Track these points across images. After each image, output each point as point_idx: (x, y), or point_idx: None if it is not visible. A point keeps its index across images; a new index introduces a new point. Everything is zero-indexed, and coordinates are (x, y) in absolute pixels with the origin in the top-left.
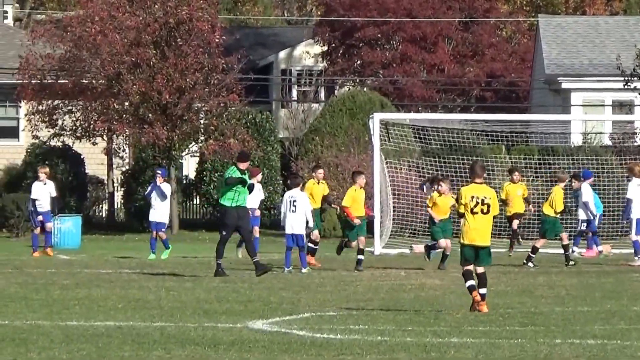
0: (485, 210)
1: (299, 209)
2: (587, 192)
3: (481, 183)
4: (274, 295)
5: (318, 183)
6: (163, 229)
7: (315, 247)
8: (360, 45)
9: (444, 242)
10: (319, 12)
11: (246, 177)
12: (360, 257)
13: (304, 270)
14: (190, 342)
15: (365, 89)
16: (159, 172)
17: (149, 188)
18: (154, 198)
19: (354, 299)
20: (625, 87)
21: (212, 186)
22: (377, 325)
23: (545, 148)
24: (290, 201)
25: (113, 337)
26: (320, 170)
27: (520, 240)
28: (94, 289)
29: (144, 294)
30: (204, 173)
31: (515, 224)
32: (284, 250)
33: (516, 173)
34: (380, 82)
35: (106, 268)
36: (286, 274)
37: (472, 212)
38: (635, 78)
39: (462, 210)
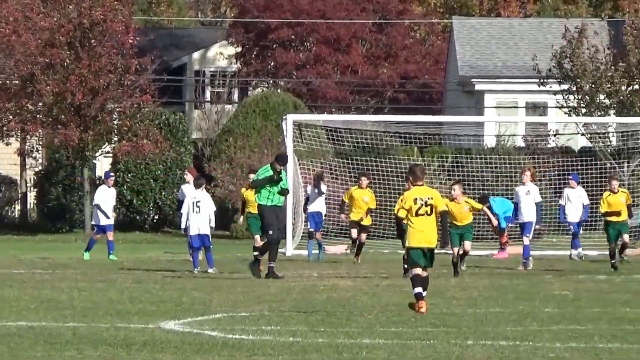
0: (429, 212)
1: (203, 210)
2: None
3: (422, 185)
4: (186, 296)
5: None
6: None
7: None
8: (274, 46)
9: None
10: (232, 14)
11: (283, 175)
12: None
13: (210, 271)
14: (103, 343)
15: (278, 90)
16: (111, 175)
17: (101, 191)
18: (106, 200)
19: (266, 300)
20: (540, 88)
21: (125, 187)
22: (289, 326)
23: (458, 149)
24: (194, 202)
25: (25, 337)
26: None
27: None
28: (6, 289)
29: (56, 295)
30: (117, 174)
31: None
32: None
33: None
34: (294, 83)
35: (19, 268)
36: (196, 275)
37: (417, 215)
38: (550, 79)
39: (402, 214)
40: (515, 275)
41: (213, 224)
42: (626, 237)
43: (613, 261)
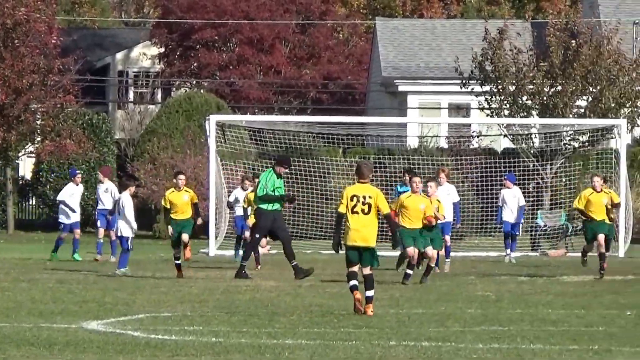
0: (366, 211)
1: (126, 212)
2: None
3: (365, 182)
4: (108, 296)
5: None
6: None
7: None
8: (197, 47)
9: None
10: (156, 14)
11: (281, 182)
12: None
13: (118, 272)
14: (26, 343)
15: (201, 91)
16: (78, 172)
17: (67, 189)
18: (72, 195)
19: (189, 300)
20: (462, 89)
21: (48, 187)
22: (212, 326)
23: (381, 150)
24: (118, 204)
25: None
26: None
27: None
28: None
29: None
30: (40, 174)
31: None
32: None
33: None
34: (217, 84)
35: None
36: (120, 275)
37: (353, 212)
38: (472, 81)
39: (342, 210)
40: (437, 276)
41: (134, 226)
42: (601, 237)
43: (585, 258)
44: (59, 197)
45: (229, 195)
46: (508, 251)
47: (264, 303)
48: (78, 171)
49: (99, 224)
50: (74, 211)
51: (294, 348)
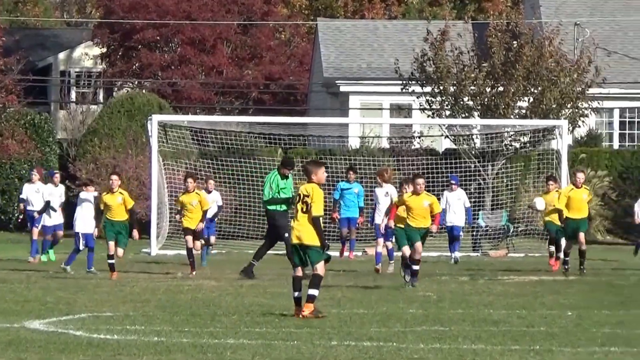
0: (304, 209)
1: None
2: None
3: (310, 181)
4: (50, 295)
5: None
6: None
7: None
8: (139, 47)
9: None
10: (98, 14)
11: (289, 181)
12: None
13: (69, 270)
14: None
15: (143, 91)
16: (56, 173)
17: (47, 190)
18: (51, 194)
19: (131, 300)
20: (403, 90)
21: None
22: (154, 326)
23: (322, 150)
24: (81, 202)
25: None
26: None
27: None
28: None
29: None
30: None
31: None
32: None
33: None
34: (159, 84)
35: None
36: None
37: (295, 210)
38: (413, 82)
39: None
40: (379, 276)
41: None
42: (582, 235)
43: (567, 259)
44: (44, 199)
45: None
46: (454, 254)
47: (205, 303)
48: (56, 172)
49: (30, 224)
50: (54, 210)
51: (236, 348)
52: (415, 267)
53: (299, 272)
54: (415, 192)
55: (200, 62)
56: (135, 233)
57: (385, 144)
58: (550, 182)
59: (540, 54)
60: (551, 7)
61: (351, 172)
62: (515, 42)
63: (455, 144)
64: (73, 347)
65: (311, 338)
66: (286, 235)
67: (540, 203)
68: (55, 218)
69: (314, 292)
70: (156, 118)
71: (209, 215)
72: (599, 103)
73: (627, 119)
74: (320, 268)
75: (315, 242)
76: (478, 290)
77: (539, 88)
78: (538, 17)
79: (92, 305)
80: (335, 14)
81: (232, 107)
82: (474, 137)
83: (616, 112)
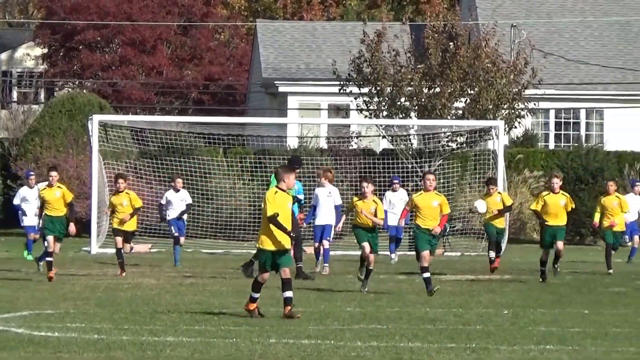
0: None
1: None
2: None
3: (278, 185)
4: None
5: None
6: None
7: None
8: (80, 48)
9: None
10: (40, 15)
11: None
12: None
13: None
14: None
15: (84, 91)
16: (32, 173)
17: (22, 192)
18: (28, 202)
19: (71, 298)
20: (341, 91)
21: None
22: (94, 323)
23: (261, 150)
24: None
25: None
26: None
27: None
28: None
29: None
30: None
31: None
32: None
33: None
34: (100, 84)
35: None
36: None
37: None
38: (351, 83)
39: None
40: (317, 276)
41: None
42: (560, 244)
43: (543, 268)
44: (15, 202)
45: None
46: (393, 255)
47: (145, 301)
48: (32, 172)
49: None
50: (26, 215)
51: (175, 345)
52: (426, 275)
53: (266, 277)
54: (425, 189)
55: (140, 62)
56: (72, 227)
57: (323, 144)
58: (492, 186)
59: (476, 55)
60: (488, 8)
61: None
62: (452, 43)
63: (393, 144)
64: (14, 345)
65: (250, 336)
66: (293, 235)
67: (481, 206)
68: (27, 220)
69: (289, 294)
70: (97, 118)
71: (178, 214)
72: (535, 104)
73: (562, 120)
74: (287, 272)
75: (286, 246)
76: (415, 288)
77: (476, 89)
78: (475, 19)
79: (34, 302)
80: (274, 16)
81: (172, 107)
82: (411, 137)
83: (552, 113)
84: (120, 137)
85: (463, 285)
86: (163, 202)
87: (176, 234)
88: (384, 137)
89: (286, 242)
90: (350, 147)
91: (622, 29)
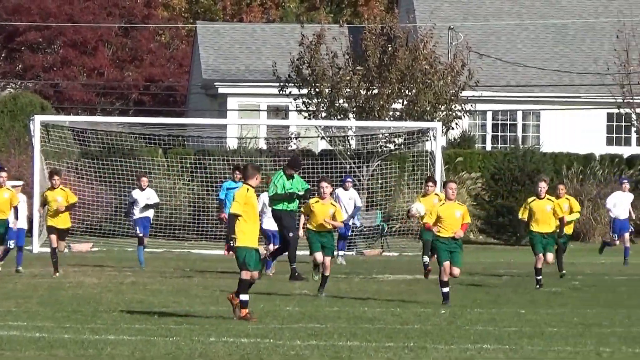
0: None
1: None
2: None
3: (246, 183)
4: None
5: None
6: None
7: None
8: (22, 49)
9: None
10: None
11: (295, 182)
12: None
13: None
14: None
15: (26, 92)
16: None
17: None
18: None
19: (13, 296)
20: (280, 93)
21: None
22: (36, 322)
23: (201, 151)
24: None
25: None
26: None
27: None
28: None
29: None
30: None
31: None
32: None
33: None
34: (42, 85)
35: None
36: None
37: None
38: (290, 84)
39: None
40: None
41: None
42: (550, 257)
43: (538, 277)
44: None
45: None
46: (340, 252)
47: (86, 300)
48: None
49: None
50: None
51: (116, 344)
52: (445, 290)
53: (249, 275)
54: (447, 198)
55: (81, 63)
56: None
57: (262, 145)
58: (430, 184)
59: (414, 57)
60: (425, 11)
61: (237, 172)
62: (389, 45)
63: (331, 145)
64: None
65: (190, 334)
66: (291, 234)
67: (421, 208)
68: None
69: (245, 297)
70: (38, 118)
71: (147, 214)
72: (472, 106)
73: (499, 122)
74: (255, 275)
75: (254, 245)
76: (353, 288)
77: (413, 90)
78: (412, 21)
79: None
80: (214, 17)
81: (113, 108)
82: (350, 138)
83: (489, 115)
84: (61, 138)
85: (401, 285)
86: (131, 200)
87: (140, 234)
88: (322, 138)
89: (254, 241)
90: (290, 148)
91: (558, 31)
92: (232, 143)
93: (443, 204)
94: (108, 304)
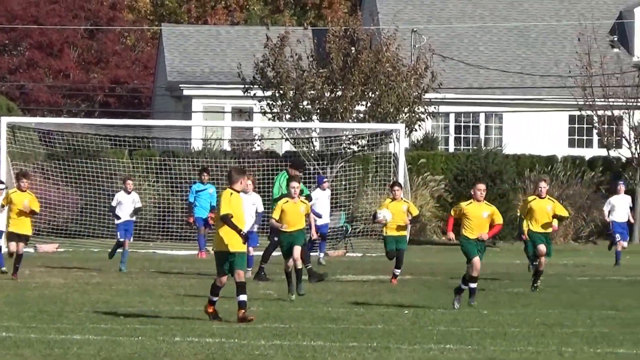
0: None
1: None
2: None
3: (231, 187)
4: None
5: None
6: None
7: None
8: None
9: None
10: None
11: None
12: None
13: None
14: None
15: None
16: None
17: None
18: None
19: None
20: (244, 95)
21: None
22: (2, 321)
23: (166, 152)
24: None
25: None
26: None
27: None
28: None
29: None
30: None
31: None
32: None
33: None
34: (7, 87)
35: None
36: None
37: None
38: (254, 86)
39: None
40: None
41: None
42: (542, 247)
43: (536, 284)
44: None
45: (112, 200)
46: (321, 255)
47: (53, 300)
48: None
49: None
50: None
51: (82, 343)
52: (473, 285)
53: (224, 281)
54: (476, 199)
55: (47, 65)
56: None
57: (227, 146)
58: (396, 188)
59: (377, 60)
60: (389, 14)
61: (205, 174)
62: (353, 47)
63: (295, 147)
64: None
65: (155, 334)
66: (276, 239)
67: (388, 215)
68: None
69: (244, 297)
70: (5, 120)
71: (130, 216)
72: (435, 108)
73: (462, 124)
74: (241, 274)
75: (240, 249)
76: (317, 288)
77: (377, 92)
78: (376, 24)
79: None
80: (179, 20)
81: (79, 110)
82: (313, 140)
83: (452, 117)
84: (28, 139)
85: (364, 285)
86: (114, 203)
87: (121, 240)
88: (286, 139)
89: (239, 244)
90: (254, 150)
91: (520, 34)
92: (197, 144)
93: (470, 203)
94: (74, 304)
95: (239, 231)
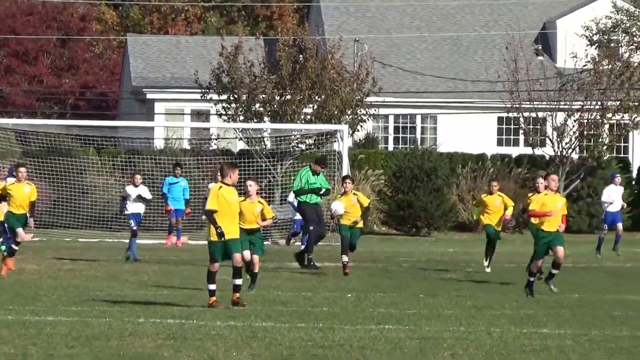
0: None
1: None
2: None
3: (222, 181)
4: None
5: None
6: None
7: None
8: None
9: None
10: None
11: (319, 178)
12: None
13: None
14: None
15: None
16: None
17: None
18: None
19: None
20: (202, 98)
21: None
22: None
23: (131, 150)
24: None
25: None
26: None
27: None
28: None
29: None
30: None
31: None
32: None
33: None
34: None
35: None
36: None
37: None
38: (211, 91)
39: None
40: (181, 262)
41: None
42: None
43: (532, 279)
44: None
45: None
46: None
47: (27, 284)
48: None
49: None
50: None
51: (55, 324)
52: (531, 279)
53: (217, 267)
54: (550, 189)
55: (23, 71)
56: None
57: (186, 145)
58: (347, 181)
59: (323, 67)
60: (334, 24)
61: (178, 168)
62: (301, 55)
63: (249, 145)
64: None
65: (121, 316)
66: (311, 228)
67: (340, 207)
68: None
69: (240, 281)
70: None
71: (138, 209)
72: (375, 110)
73: (400, 124)
74: (238, 258)
75: (234, 235)
76: (269, 274)
77: (322, 96)
78: (322, 34)
79: None
80: (143, 30)
81: (52, 112)
82: (265, 139)
83: (391, 118)
84: (5, 139)
85: (311, 271)
86: (124, 195)
87: (134, 228)
88: (240, 139)
89: (234, 232)
90: (211, 148)
91: (454, 43)
92: (159, 143)
93: (546, 194)
94: (47, 288)
95: (216, 227)
